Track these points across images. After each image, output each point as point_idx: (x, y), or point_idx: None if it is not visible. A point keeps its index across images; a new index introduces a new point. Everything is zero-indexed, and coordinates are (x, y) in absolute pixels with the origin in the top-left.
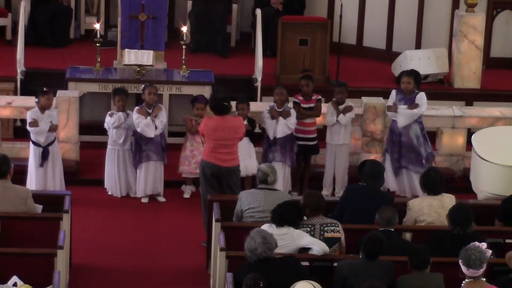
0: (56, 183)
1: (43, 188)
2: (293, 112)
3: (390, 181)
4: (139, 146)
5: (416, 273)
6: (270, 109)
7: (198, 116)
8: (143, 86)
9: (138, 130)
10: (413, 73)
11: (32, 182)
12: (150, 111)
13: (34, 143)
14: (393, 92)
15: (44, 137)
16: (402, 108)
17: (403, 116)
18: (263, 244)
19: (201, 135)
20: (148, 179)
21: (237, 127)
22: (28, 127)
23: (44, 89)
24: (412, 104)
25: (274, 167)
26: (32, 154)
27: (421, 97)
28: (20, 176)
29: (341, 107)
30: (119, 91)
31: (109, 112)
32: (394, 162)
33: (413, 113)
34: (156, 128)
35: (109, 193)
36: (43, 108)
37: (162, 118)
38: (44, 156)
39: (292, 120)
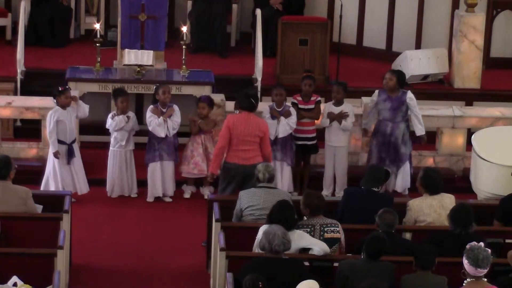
0: (80, 183)
1: (72, 189)
2: (293, 111)
3: None
4: (153, 145)
5: (421, 273)
6: (270, 109)
7: (201, 116)
8: (155, 86)
9: (150, 129)
10: (397, 71)
11: (58, 183)
12: (164, 110)
13: (58, 141)
14: (376, 92)
15: (68, 135)
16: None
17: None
18: (283, 238)
19: (223, 131)
20: (159, 179)
21: (260, 125)
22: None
23: (60, 88)
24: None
25: (269, 165)
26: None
27: (411, 97)
28: (22, 176)
29: (338, 108)
30: (121, 92)
31: (111, 114)
32: (378, 161)
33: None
34: (167, 128)
35: (109, 194)
36: (63, 106)
37: (176, 118)
38: (70, 153)
39: (293, 119)
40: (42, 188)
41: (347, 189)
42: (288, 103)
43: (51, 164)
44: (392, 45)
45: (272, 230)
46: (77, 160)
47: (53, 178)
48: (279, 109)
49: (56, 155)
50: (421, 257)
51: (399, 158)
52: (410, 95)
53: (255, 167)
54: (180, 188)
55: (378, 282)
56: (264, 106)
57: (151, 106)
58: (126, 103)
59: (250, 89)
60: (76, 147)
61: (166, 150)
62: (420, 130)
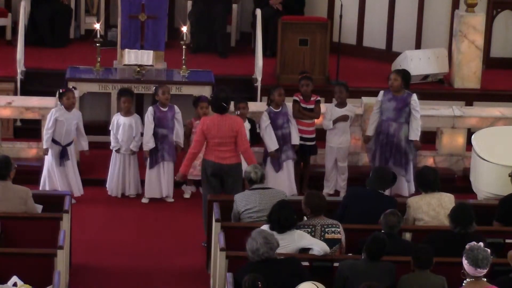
0: (74, 185)
1: (68, 188)
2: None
3: None
4: (155, 146)
5: (419, 273)
6: (269, 112)
7: (201, 116)
8: (154, 87)
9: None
10: (401, 71)
11: (53, 183)
12: (164, 109)
13: (53, 141)
14: (381, 92)
15: (63, 136)
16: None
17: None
18: (265, 245)
19: (198, 135)
20: (162, 180)
21: (233, 126)
22: (44, 135)
23: (60, 90)
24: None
25: (256, 165)
26: (50, 152)
27: (415, 100)
28: (23, 176)
29: (342, 110)
30: (125, 92)
31: (111, 127)
32: (382, 163)
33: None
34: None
35: (110, 193)
36: (67, 108)
37: (179, 126)
38: (63, 155)
39: (294, 120)
40: (40, 188)
41: (351, 188)
42: (287, 103)
43: (48, 164)
44: (392, 45)
45: (252, 240)
46: (71, 163)
47: (48, 178)
48: (277, 110)
49: (45, 152)
50: (419, 257)
51: (406, 160)
52: (415, 97)
53: (230, 166)
54: (180, 188)
55: (375, 283)
56: (263, 106)
57: (151, 108)
58: (127, 103)
59: (220, 92)
60: (71, 150)
61: (167, 150)
62: (415, 135)
